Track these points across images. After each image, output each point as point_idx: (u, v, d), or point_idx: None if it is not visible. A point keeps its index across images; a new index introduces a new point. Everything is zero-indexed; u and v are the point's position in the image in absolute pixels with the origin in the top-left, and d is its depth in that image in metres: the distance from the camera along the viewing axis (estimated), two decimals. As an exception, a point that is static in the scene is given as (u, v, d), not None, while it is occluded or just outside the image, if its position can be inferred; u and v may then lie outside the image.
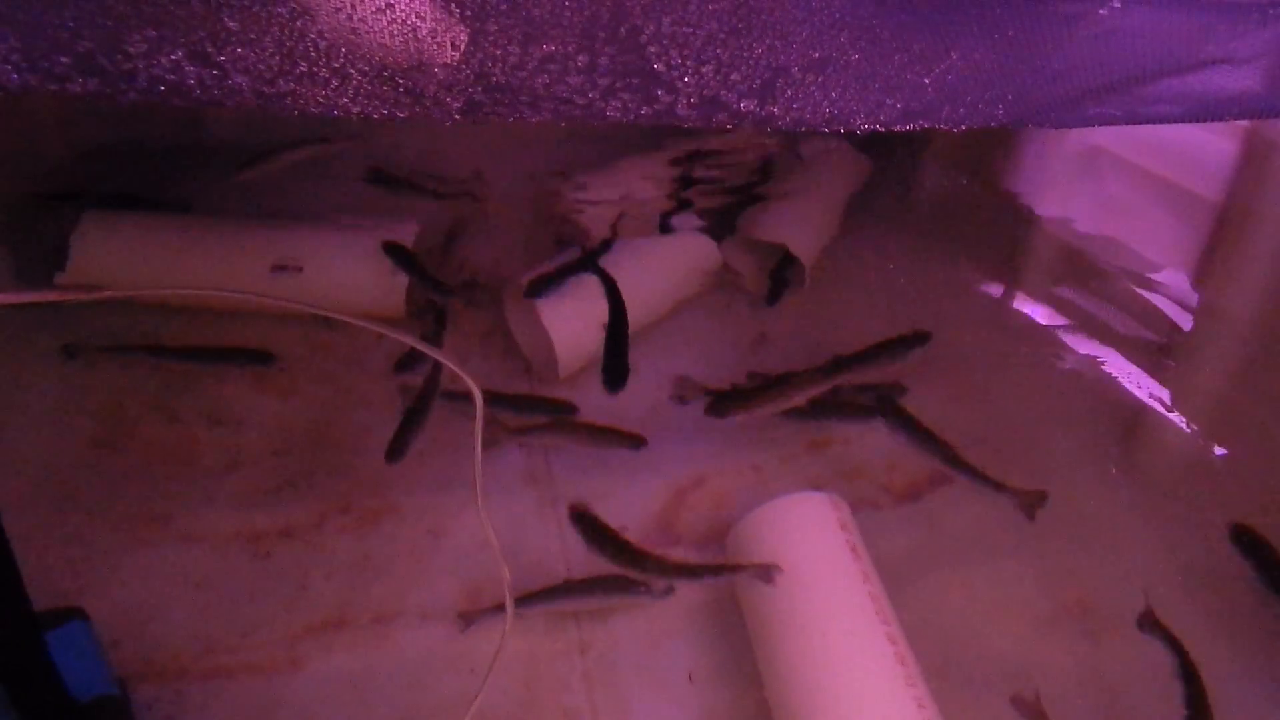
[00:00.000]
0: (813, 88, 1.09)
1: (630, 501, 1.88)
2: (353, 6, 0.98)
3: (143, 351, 2.03)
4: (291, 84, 1.01)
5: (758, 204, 2.50)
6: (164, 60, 0.98)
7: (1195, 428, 2.05)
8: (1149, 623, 1.61)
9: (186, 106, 1.02)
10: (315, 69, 1.01)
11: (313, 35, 0.99)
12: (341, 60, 1.01)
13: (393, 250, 2.13)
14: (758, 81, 1.08)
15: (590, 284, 2.16)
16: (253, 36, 0.97)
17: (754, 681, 1.54)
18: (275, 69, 1.00)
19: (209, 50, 0.98)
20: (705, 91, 1.07)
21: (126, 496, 1.80)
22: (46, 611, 1.35)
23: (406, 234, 2.19)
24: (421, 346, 1.42)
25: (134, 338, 2.07)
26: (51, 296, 1.72)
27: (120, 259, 2.12)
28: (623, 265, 2.23)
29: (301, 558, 1.72)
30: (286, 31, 0.98)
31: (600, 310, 2.13)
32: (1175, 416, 2.10)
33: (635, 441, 1.89)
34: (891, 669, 1.42)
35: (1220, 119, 1.22)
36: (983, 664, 1.63)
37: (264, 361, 2.02)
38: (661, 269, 2.30)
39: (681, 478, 1.93)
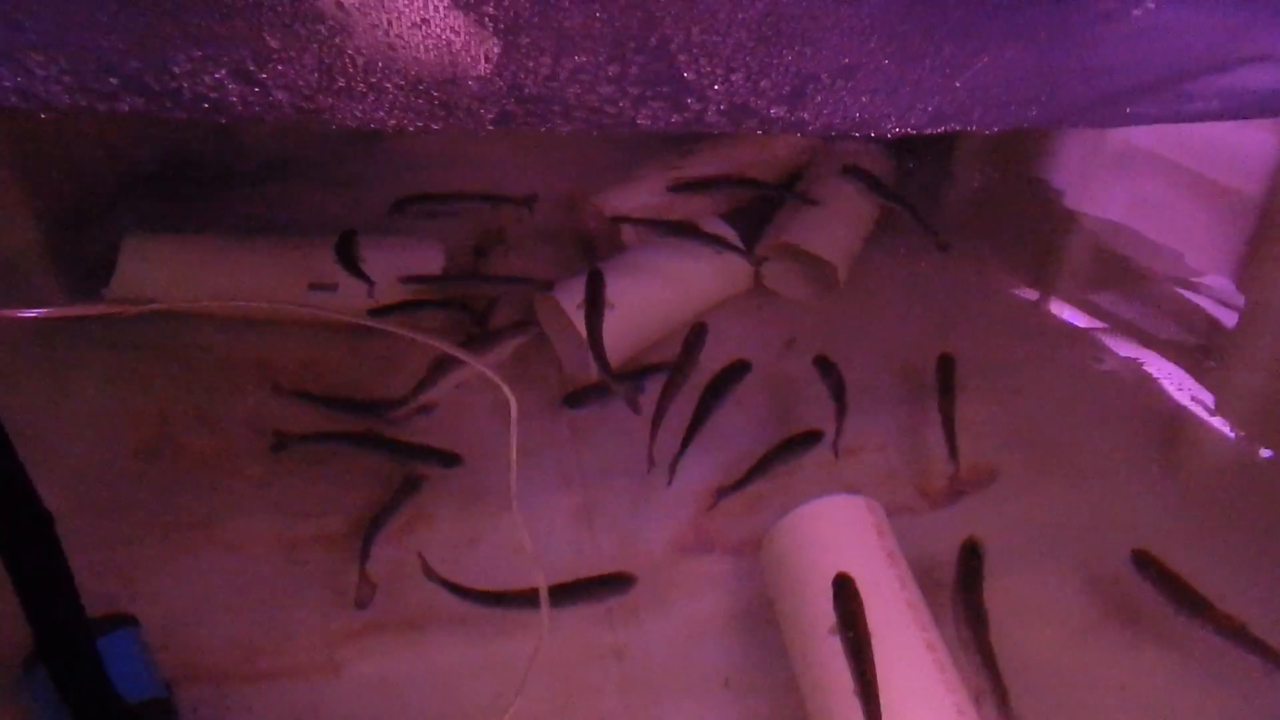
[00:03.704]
0: (842, 93, 1.09)
1: (663, 506, 1.88)
2: (389, 22, 1.00)
3: (343, 441, 1.98)
4: (330, 99, 1.04)
5: (790, 207, 2.49)
6: (208, 79, 1.01)
7: (1238, 430, 2.00)
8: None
9: (229, 123, 1.05)
10: (353, 84, 1.03)
11: (350, 51, 1.01)
12: (378, 75, 1.03)
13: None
14: (787, 88, 1.08)
15: (621, 287, 2.17)
16: (293, 54, 1.00)
17: (790, 688, 1.53)
18: (315, 85, 1.02)
19: (251, 68, 1.00)
20: (735, 98, 1.08)
21: (172, 505, 1.84)
22: (101, 618, 1.39)
23: (433, 256, 2.22)
24: (455, 353, 1.43)
25: (179, 350, 2.13)
26: (100, 309, 1.77)
27: (164, 275, 2.18)
28: (654, 267, 2.24)
29: (339, 564, 1.75)
30: (326, 48, 1.01)
31: (631, 313, 2.14)
32: (1218, 418, 2.05)
33: None
34: (930, 675, 1.41)
35: (1260, 115, 1.20)
36: (1024, 671, 1.60)
37: (449, 464, 1.94)
38: (694, 271, 2.31)
39: (714, 483, 1.92)
